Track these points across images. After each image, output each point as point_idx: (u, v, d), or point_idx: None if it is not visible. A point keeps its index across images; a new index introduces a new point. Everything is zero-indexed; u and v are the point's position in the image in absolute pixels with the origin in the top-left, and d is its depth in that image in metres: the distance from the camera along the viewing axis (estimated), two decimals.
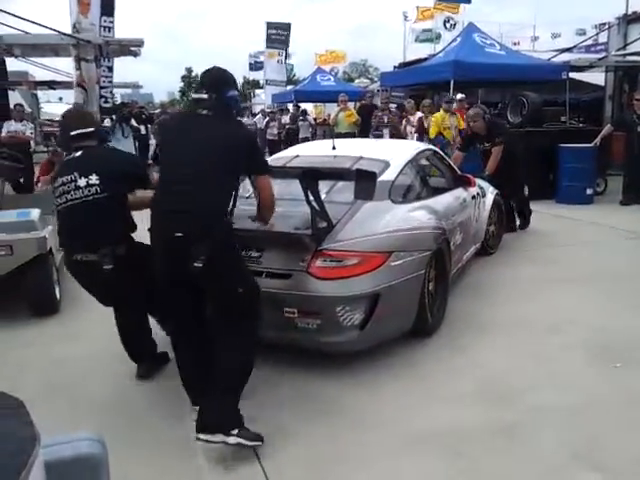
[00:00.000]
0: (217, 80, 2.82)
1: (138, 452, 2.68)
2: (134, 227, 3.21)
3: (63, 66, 13.80)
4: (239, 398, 2.69)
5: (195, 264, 2.53)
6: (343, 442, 2.77)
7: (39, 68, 15.92)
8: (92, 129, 3.20)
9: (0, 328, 4.30)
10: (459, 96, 9.90)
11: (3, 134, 9.36)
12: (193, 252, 2.53)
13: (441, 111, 9.57)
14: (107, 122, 11.61)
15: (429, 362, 3.55)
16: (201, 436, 2.55)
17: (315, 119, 20.04)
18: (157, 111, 17.04)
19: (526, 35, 23.77)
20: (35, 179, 9.35)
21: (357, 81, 30.14)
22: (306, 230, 3.30)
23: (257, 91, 34.64)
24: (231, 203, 2.71)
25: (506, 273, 5.42)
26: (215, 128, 2.75)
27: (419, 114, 10.14)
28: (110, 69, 13.02)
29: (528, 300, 4.62)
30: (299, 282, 3.27)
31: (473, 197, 5.42)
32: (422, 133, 9.97)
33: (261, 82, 30.80)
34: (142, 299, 3.24)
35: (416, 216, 3.98)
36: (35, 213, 4.49)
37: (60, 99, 31.94)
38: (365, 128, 11.53)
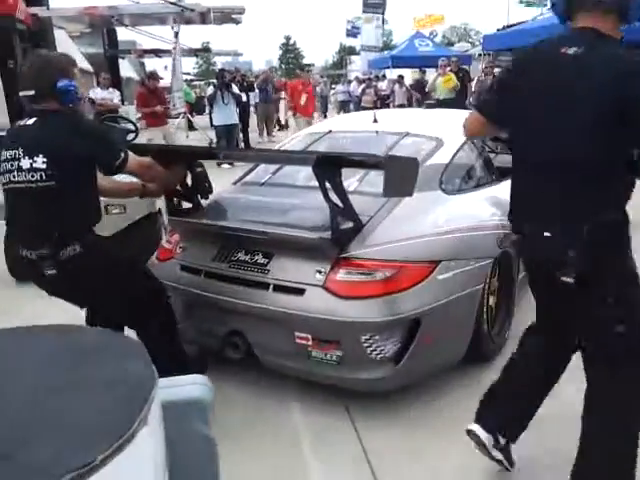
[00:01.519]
0: None
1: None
2: (97, 218, 2.48)
3: (168, 34, 14.28)
4: None
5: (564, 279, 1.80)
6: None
7: (146, 37, 16.68)
8: (32, 93, 2.32)
9: None
10: None
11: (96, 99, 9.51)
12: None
13: None
14: (210, 89, 11.98)
15: None
16: (471, 427, 2.17)
17: (411, 85, 19.61)
18: (259, 78, 17.31)
19: None
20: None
21: (457, 45, 28.98)
22: (326, 232, 2.59)
23: (352, 57, 34.26)
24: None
25: None
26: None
27: None
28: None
29: None
30: (314, 300, 2.56)
31: None
32: None
33: (357, 48, 30.39)
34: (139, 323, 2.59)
35: (476, 211, 3.14)
36: None
37: (165, 67, 33.20)
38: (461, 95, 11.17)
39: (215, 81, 12.19)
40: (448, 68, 11.44)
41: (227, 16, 13.02)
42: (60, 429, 0.78)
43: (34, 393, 0.85)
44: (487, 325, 3.01)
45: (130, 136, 5.79)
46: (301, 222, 2.76)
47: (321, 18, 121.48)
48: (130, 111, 19.05)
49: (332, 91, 22.81)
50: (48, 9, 12.11)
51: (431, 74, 21.36)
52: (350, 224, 2.63)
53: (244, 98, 13.54)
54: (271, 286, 2.67)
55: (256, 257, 2.77)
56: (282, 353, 2.71)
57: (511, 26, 13.75)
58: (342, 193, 2.60)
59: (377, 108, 15.69)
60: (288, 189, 3.31)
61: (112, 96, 10.14)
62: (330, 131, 3.91)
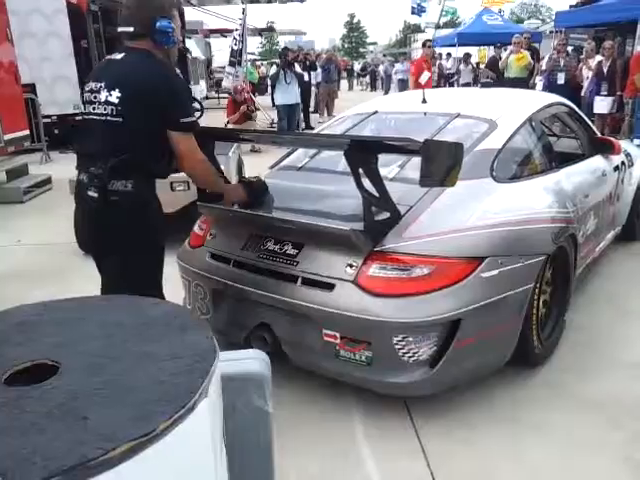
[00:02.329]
0: None
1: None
2: (163, 171, 2.39)
3: (233, 14, 14.43)
4: None
5: None
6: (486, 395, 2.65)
7: (212, 16, 16.90)
8: (131, 29, 2.26)
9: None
10: None
11: None
12: None
13: None
14: (274, 68, 12.00)
15: None
16: None
17: (478, 63, 19.01)
18: (323, 57, 17.26)
19: None
20: (225, 122, 10.26)
21: (527, 22, 27.83)
22: (358, 223, 2.39)
23: (417, 35, 33.53)
24: None
25: None
26: None
27: (598, 57, 9.17)
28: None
29: None
30: (344, 296, 2.36)
31: (616, 168, 4.06)
32: (601, 79, 9.04)
33: (422, 26, 29.71)
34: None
35: (530, 201, 2.85)
36: None
37: (232, 45, 33.59)
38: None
39: (278, 60, 12.19)
40: (523, 45, 11.04)
41: None
42: (122, 398, 0.80)
43: (98, 362, 0.89)
44: (536, 328, 2.74)
45: (196, 114, 5.91)
46: (334, 211, 2.60)
47: None
48: (197, 90, 19.49)
49: (393, 69, 22.43)
50: None
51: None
52: (386, 215, 2.43)
53: (306, 77, 13.53)
54: (299, 279, 2.49)
55: (285, 247, 2.59)
56: (309, 350, 2.53)
57: (585, 3, 13.05)
58: (378, 181, 2.39)
59: (442, 87, 15.37)
60: (325, 175, 3.13)
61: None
62: (376, 112, 3.66)
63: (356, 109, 3.98)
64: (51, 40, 10.50)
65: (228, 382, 1.05)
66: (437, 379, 2.38)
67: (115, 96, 2.18)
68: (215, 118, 14.14)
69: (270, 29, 28.20)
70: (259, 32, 24.32)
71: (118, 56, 2.31)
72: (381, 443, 2.37)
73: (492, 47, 20.22)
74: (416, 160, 2.63)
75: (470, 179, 2.61)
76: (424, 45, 10.46)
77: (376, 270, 2.36)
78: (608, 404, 2.59)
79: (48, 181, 7.69)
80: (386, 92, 23.79)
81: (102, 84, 2.24)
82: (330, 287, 2.40)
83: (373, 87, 31.61)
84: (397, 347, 2.30)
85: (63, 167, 7.83)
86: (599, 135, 4.35)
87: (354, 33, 60.81)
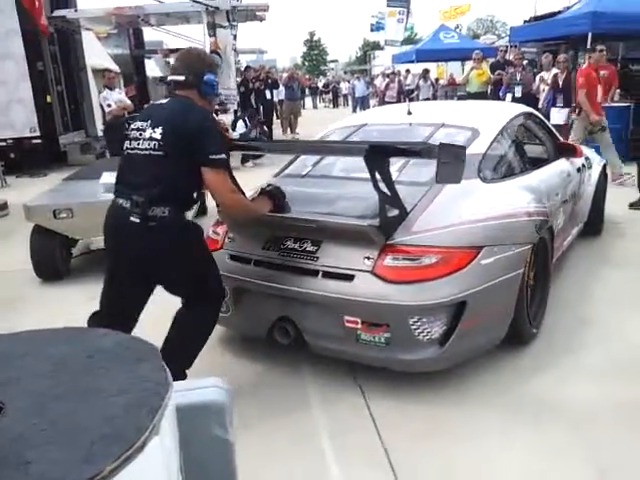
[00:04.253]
0: None
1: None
2: (190, 201, 2.67)
3: (194, 34, 14.39)
4: None
5: None
6: (453, 405, 2.70)
7: (172, 37, 16.82)
8: (183, 78, 2.57)
9: None
10: (600, 47, 9.05)
11: (114, 106, 8.51)
12: None
13: None
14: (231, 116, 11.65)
15: None
16: None
17: (436, 79, 19.39)
18: (284, 75, 17.36)
19: None
20: None
21: (483, 37, 28.55)
22: (373, 220, 2.68)
23: (376, 52, 34.05)
24: None
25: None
26: None
27: (554, 70, 9.44)
28: (235, 37, 13.32)
29: None
30: (364, 285, 2.65)
31: (578, 170, 4.48)
32: (557, 91, 9.30)
33: (381, 43, 30.19)
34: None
35: (513, 198, 3.24)
36: None
37: None
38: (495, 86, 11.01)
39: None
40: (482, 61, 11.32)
41: (251, 14, 13.04)
42: (68, 439, 0.75)
43: (41, 400, 0.83)
44: (526, 308, 3.10)
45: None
46: (347, 211, 2.88)
47: (345, 14, 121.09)
48: None
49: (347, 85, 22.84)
50: (76, 11, 12.31)
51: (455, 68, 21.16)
52: (396, 212, 2.73)
53: (268, 96, 13.58)
54: (320, 273, 2.77)
55: (305, 245, 2.87)
56: (331, 337, 2.81)
57: (538, 18, 13.47)
58: (390, 182, 2.69)
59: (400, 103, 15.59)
60: (329, 180, 3.50)
61: (123, 97, 9.32)
62: (366, 124, 3.99)
63: (345, 122, 4.36)
64: (5, 62, 10.27)
65: (185, 413, 1.00)
66: (446, 356, 2.71)
67: (158, 133, 2.46)
68: None
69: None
70: (214, 51, 24.28)
71: (164, 101, 2.67)
72: (332, 408, 2.70)
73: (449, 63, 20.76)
74: (411, 164, 3.14)
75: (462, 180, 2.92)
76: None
77: (391, 261, 2.67)
78: (569, 409, 2.64)
79: (4, 206, 7.48)
80: (354, 109, 24.06)
81: (147, 123, 2.52)
82: (350, 278, 2.70)
83: (335, 104, 31.90)
84: (413, 327, 2.62)
85: (20, 192, 7.65)
86: (562, 140, 4.73)
87: (314, 51, 61.41)
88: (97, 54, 14.30)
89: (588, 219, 4.93)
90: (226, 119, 12.82)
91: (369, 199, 2.77)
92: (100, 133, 11.02)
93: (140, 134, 2.52)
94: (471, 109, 4.67)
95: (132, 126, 2.61)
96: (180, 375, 2.54)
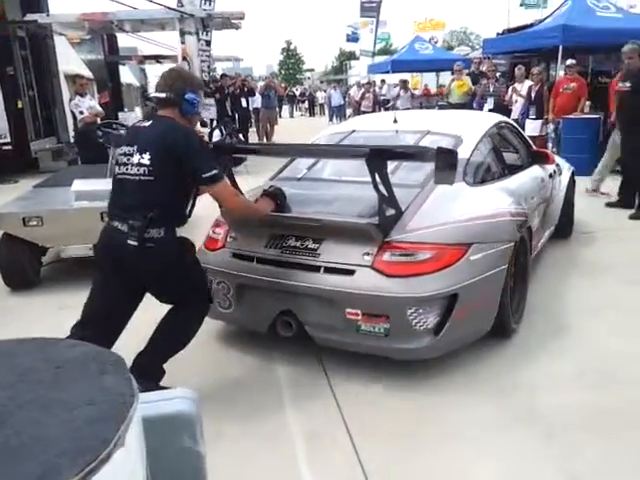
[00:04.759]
0: None
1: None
2: (183, 219, 2.74)
3: (169, 40, 14.34)
4: None
5: None
6: (432, 417, 2.70)
7: (147, 43, 16.73)
8: (165, 95, 2.65)
9: None
10: (569, 61, 9.29)
11: (86, 113, 8.25)
12: None
13: None
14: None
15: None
16: None
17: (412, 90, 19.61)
18: (260, 83, 17.37)
19: None
20: None
21: (457, 49, 29.03)
22: (372, 218, 2.88)
23: (352, 62, 34.31)
24: None
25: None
26: None
27: (528, 82, 9.63)
28: (208, 43, 13.31)
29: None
30: (364, 279, 2.83)
31: (550, 175, 4.72)
32: (530, 103, 9.49)
33: (357, 53, 30.44)
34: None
35: (495, 200, 3.48)
36: None
37: None
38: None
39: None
40: (469, 70, 11.56)
41: (227, 22, 13.02)
42: (30, 452, 0.73)
43: (5, 413, 0.81)
44: (509, 302, 3.30)
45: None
46: (346, 211, 3.07)
47: (321, 24, 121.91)
48: (131, 117, 19.13)
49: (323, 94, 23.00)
50: (48, 15, 12.14)
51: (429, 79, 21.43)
52: (393, 211, 2.92)
53: (244, 104, 13.56)
54: (322, 268, 2.94)
55: (306, 243, 3.04)
56: (332, 328, 2.97)
57: (511, 30, 13.74)
58: (388, 183, 2.87)
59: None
60: (324, 183, 3.71)
61: (94, 103, 9.03)
62: (354, 130, 4.19)
63: (334, 129, 4.63)
64: None
65: (153, 425, 0.98)
66: (440, 344, 2.89)
67: (147, 159, 2.53)
68: None
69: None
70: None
71: (146, 123, 2.71)
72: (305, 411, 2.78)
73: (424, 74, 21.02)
74: (402, 168, 3.33)
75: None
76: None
77: (388, 256, 2.86)
78: (543, 416, 2.66)
79: None
80: (330, 118, 24.17)
81: (134, 148, 2.58)
82: (351, 273, 2.87)
83: (312, 113, 32.00)
84: (410, 318, 2.79)
85: None
86: (535, 148, 4.94)
87: (291, 60, 61.63)
88: (70, 60, 14.12)
89: (559, 223, 5.12)
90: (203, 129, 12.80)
91: (364, 200, 3.03)
92: (72, 140, 10.87)
93: (128, 159, 2.59)
94: (453, 118, 4.94)
95: (119, 151, 2.68)
96: (159, 373, 2.73)
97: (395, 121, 4.03)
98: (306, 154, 3.86)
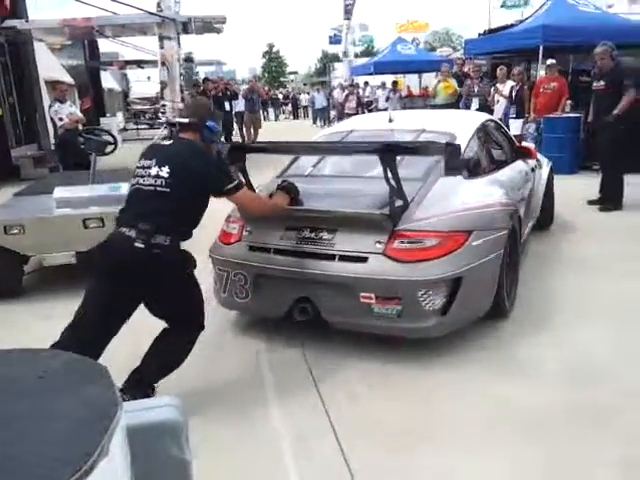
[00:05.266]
0: None
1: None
2: (188, 234, 2.84)
3: (151, 45, 14.26)
4: None
5: None
6: (413, 416, 2.71)
7: (128, 48, 16.63)
8: (188, 120, 2.91)
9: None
10: (549, 61, 9.39)
11: (66, 119, 8.04)
12: None
13: None
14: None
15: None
16: None
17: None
18: (243, 87, 17.35)
19: None
20: None
21: (439, 50, 29.19)
22: (383, 209, 3.11)
23: (335, 64, 34.39)
24: None
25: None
26: None
27: (510, 83, 9.72)
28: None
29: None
30: (377, 266, 3.05)
31: (532, 169, 5.02)
32: (511, 102, 9.58)
33: (340, 55, 30.52)
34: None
35: (489, 192, 3.75)
36: (125, 187, 4.67)
37: (148, 78, 33.13)
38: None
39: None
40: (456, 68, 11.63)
41: (208, 26, 12.96)
42: (11, 465, 0.72)
43: None
44: (505, 284, 3.54)
45: (109, 148, 5.76)
46: (355, 204, 3.27)
47: (304, 26, 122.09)
48: (114, 122, 19.00)
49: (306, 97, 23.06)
50: (27, 21, 12.01)
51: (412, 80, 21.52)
52: (400, 203, 3.12)
53: (227, 107, 13.52)
54: (337, 256, 3.15)
55: (321, 234, 3.25)
56: (347, 312, 3.16)
57: (492, 31, 13.86)
58: (397, 177, 3.07)
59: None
60: (329, 179, 3.93)
61: (74, 109, 8.76)
62: (353, 130, 4.40)
63: (333, 128, 4.95)
64: None
65: (138, 434, 0.97)
66: (447, 323, 3.14)
67: (165, 171, 2.68)
68: (135, 150, 13.78)
69: (188, 59, 28.08)
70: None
71: (167, 142, 2.95)
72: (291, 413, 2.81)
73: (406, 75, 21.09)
74: (405, 163, 3.44)
75: (448, 177, 3.39)
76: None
77: (398, 244, 3.08)
78: (519, 416, 2.66)
79: None
80: (314, 121, 24.19)
81: (153, 162, 2.73)
82: (364, 260, 3.09)
83: (295, 116, 32.00)
84: (420, 300, 3.01)
85: None
86: (519, 144, 5.22)
87: (274, 63, 61.58)
88: (50, 66, 13.99)
89: (540, 214, 5.36)
90: None
91: (369, 194, 3.29)
92: (53, 147, 10.75)
93: (145, 171, 2.74)
94: (445, 116, 5.30)
95: (137, 164, 2.84)
96: (148, 389, 2.76)
97: (391, 120, 4.27)
98: (322, 151, 4.05)
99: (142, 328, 2.86)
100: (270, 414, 2.81)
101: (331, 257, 3.17)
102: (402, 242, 3.08)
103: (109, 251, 2.72)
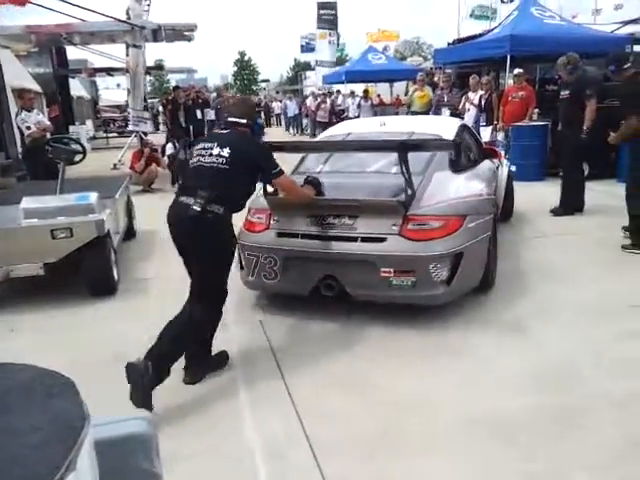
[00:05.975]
0: None
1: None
2: (240, 207, 3.35)
3: (119, 53, 14.10)
4: None
5: None
6: (387, 420, 2.73)
7: (97, 56, 16.41)
8: (245, 121, 3.37)
9: (58, 309, 4.41)
10: (516, 71, 9.58)
11: (34, 128, 7.93)
12: None
13: None
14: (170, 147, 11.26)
15: None
16: None
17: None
18: (213, 95, 17.26)
19: (587, 7, 22.57)
20: (129, 166, 10.28)
21: (410, 59, 29.54)
22: (397, 198, 3.68)
23: (307, 73, 34.53)
24: None
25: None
26: None
27: (480, 92, 9.89)
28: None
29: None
30: (394, 244, 3.61)
31: (497, 167, 5.70)
32: (480, 110, 9.75)
33: (312, 64, 30.64)
34: (211, 296, 3.20)
35: (475, 183, 4.41)
36: (94, 197, 4.61)
37: (118, 85, 32.81)
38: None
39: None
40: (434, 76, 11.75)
41: (179, 33, 12.89)
42: None
43: None
44: (490, 260, 4.17)
45: (77, 157, 5.67)
46: (373, 194, 3.87)
47: (275, 34, 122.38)
48: (83, 131, 18.70)
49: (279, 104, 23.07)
50: None
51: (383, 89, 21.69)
52: (410, 192, 3.67)
53: (199, 115, 13.43)
54: (359, 238, 3.70)
55: (343, 220, 3.79)
56: (369, 286, 3.70)
57: (461, 40, 14.10)
58: (408, 170, 3.65)
59: (332, 123, 15.87)
60: (341, 174, 4.39)
61: (42, 118, 8.57)
62: (350, 133, 4.97)
63: (331, 131, 5.50)
64: None
65: (108, 447, 0.96)
66: (451, 292, 3.72)
67: (226, 152, 3.16)
68: (104, 159, 13.59)
69: (159, 67, 27.88)
70: (147, 71, 23.91)
71: (224, 131, 3.41)
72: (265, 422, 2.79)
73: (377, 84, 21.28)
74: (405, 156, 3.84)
75: (441, 171, 4.17)
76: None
77: (412, 226, 3.66)
78: (502, 420, 2.70)
79: None
80: (287, 128, 24.18)
81: (214, 144, 3.22)
82: (383, 240, 3.66)
83: (268, 123, 31.99)
84: (431, 272, 3.59)
85: None
86: (485, 146, 6.06)
87: (245, 70, 61.47)
88: (17, 73, 13.73)
89: (502, 207, 5.88)
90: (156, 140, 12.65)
91: (379, 186, 3.95)
92: (20, 156, 10.54)
93: (206, 152, 3.22)
94: (429, 121, 6.39)
95: (197, 146, 3.35)
96: (169, 364, 2.94)
97: (383, 124, 4.87)
98: (345, 148, 4.57)
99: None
100: (242, 424, 2.78)
101: (354, 239, 3.71)
102: (414, 224, 3.64)
103: (173, 217, 3.20)
